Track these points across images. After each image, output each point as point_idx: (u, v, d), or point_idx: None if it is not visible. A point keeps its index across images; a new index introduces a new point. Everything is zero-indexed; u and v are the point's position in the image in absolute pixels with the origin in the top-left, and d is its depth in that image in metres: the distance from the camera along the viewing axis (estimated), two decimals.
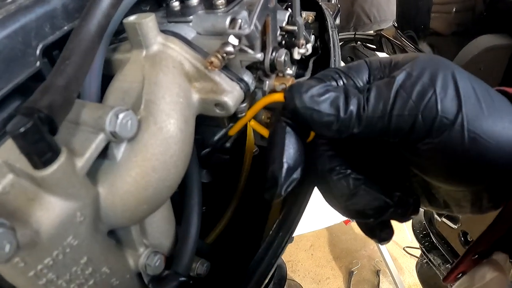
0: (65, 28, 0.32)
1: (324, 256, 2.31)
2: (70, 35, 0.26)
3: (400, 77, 0.31)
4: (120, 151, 0.26)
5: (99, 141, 0.24)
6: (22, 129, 0.20)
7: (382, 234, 0.38)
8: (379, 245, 2.19)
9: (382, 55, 1.52)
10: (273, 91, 0.35)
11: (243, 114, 0.36)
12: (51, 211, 0.23)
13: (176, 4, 0.35)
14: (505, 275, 0.35)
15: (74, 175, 0.23)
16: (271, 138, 0.33)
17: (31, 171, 0.22)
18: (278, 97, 0.35)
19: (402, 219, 0.36)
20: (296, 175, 0.32)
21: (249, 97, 0.34)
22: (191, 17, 0.33)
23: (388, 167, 0.38)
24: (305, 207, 0.45)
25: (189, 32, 0.33)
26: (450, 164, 0.31)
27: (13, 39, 0.28)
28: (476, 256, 0.38)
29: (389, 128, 0.31)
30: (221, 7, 0.34)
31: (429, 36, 1.14)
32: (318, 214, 2.04)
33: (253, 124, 0.42)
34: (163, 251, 0.34)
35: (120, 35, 0.37)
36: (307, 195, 0.44)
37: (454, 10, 1.02)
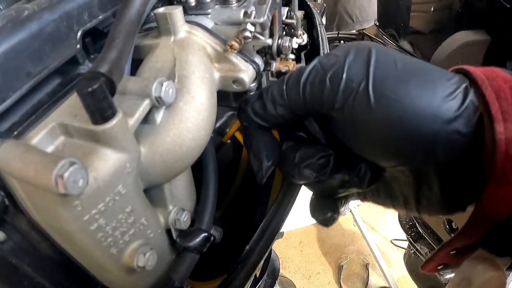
0: (100, 17, 0.37)
1: (314, 252, 2.37)
2: (115, 20, 0.31)
3: (319, 57, 0.34)
4: (159, 116, 0.31)
5: (145, 105, 0.29)
6: (90, 89, 0.24)
7: (329, 212, 0.41)
8: (368, 239, 2.26)
9: None
10: (278, 71, 0.41)
11: (252, 92, 0.41)
12: (107, 161, 0.27)
13: (192, 1, 0.41)
14: (503, 274, 0.35)
15: (127, 131, 0.28)
16: (245, 143, 0.39)
17: (91, 127, 0.26)
18: None
19: (360, 186, 0.38)
20: (271, 162, 0.37)
21: (259, 77, 0.40)
22: (209, 10, 0.39)
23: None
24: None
25: (208, 22, 0.39)
26: (366, 132, 0.31)
27: (59, 23, 0.33)
28: (455, 251, 0.38)
29: (306, 99, 0.33)
30: (234, 2, 0.40)
31: (409, 35, 1.22)
32: (306, 211, 2.10)
33: (238, 135, 0.53)
34: None
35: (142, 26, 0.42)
36: None
37: (432, 9, 1.09)
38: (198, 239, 0.37)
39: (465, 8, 1.02)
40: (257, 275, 0.95)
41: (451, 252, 0.38)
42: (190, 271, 0.39)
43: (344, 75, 0.31)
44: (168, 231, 0.38)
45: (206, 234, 0.38)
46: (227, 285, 0.42)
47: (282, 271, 2.26)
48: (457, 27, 1.03)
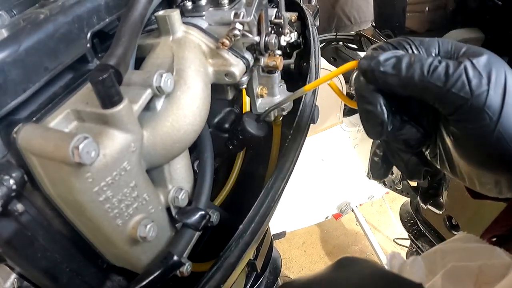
0: (107, 20, 0.41)
1: (317, 252, 2.39)
2: (120, 22, 0.36)
3: (466, 64, 0.36)
4: (160, 104, 0.36)
5: (147, 94, 0.34)
6: (100, 78, 0.29)
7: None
8: (370, 239, 2.28)
9: (363, 54, 1.63)
10: (266, 66, 0.46)
11: (244, 86, 0.46)
12: (114, 140, 0.32)
13: (189, 4, 0.46)
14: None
15: (132, 115, 0.32)
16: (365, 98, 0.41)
17: (101, 111, 0.31)
18: (353, 65, 0.42)
19: (410, 177, 0.45)
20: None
21: (249, 71, 0.45)
22: (203, 12, 0.44)
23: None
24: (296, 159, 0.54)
25: (203, 23, 0.44)
26: (475, 147, 0.37)
27: (71, 25, 0.37)
28: (495, 239, 0.43)
29: (443, 99, 0.37)
30: (226, 5, 0.45)
31: (405, 35, 1.25)
32: (309, 211, 2.13)
33: (332, 84, 0.46)
34: None
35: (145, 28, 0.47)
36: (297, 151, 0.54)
37: (427, 9, 1.12)
38: (195, 217, 0.42)
39: (458, 7, 1.04)
40: (259, 271, 0.98)
41: (492, 240, 0.43)
42: (188, 247, 0.43)
43: (486, 105, 0.35)
44: (168, 210, 0.42)
45: (203, 212, 0.42)
46: (222, 262, 0.46)
47: (286, 272, 2.29)
48: (451, 26, 1.05)
